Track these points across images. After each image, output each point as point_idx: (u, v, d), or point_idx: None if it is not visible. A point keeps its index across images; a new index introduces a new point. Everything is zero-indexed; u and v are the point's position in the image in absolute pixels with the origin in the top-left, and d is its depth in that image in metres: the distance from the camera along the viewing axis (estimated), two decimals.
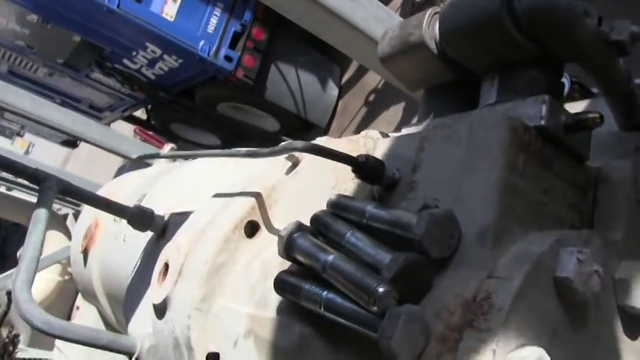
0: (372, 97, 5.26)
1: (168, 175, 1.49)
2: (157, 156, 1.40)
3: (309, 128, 5.74)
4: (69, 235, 4.71)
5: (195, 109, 5.84)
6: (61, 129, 2.20)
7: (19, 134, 14.52)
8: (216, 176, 1.18)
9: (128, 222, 1.14)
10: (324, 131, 5.73)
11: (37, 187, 1.03)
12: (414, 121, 0.72)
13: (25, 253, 0.91)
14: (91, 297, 1.90)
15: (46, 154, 13.54)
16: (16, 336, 4.34)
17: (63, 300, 4.99)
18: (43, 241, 0.95)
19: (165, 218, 1.19)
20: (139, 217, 1.13)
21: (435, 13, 0.61)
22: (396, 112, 4.75)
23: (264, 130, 5.89)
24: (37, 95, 6.48)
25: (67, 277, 4.66)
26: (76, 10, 4.72)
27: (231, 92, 5.39)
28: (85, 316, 2.09)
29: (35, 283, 3.14)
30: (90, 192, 1.08)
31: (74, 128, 2.20)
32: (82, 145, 7.98)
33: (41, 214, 0.98)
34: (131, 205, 1.45)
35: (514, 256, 0.47)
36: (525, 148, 0.52)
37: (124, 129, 8.22)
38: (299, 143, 0.60)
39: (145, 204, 1.35)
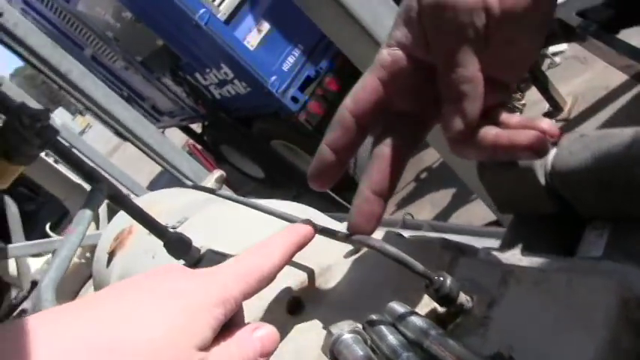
0: (424, 175, 5.22)
1: (215, 206, 1.45)
2: (212, 192, 1.36)
3: (353, 187, 5.69)
4: (97, 222, 4.73)
5: (250, 137, 5.89)
6: (120, 125, 2.21)
7: (81, 113, 14.98)
8: (265, 225, 1.14)
9: (164, 245, 1.10)
10: None
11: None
12: (494, 242, 0.67)
13: (61, 251, 0.87)
14: None
15: (99, 139, 13.86)
16: (24, 311, 4.34)
17: (75, 281, 4.99)
18: (81, 242, 0.91)
19: (201, 251, 1.14)
20: (175, 244, 1.09)
21: (552, 143, 0.56)
22: (444, 196, 4.68)
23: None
24: (109, 83, 6.73)
25: (83, 260, 4.65)
26: (168, 17, 4.86)
27: (289, 132, 5.42)
28: None
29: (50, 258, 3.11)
30: (136, 205, 1.05)
31: (134, 128, 2.20)
32: None
33: (86, 215, 0.94)
34: (170, 224, 1.41)
35: None
36: (633, 326, 0.46)
37: (175, 137, 8.35)
38: (376, 241, 0.55)
39: (184, 229, 1.31)
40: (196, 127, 7.84)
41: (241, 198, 1.16)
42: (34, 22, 6.57)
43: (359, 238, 0.57)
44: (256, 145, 5.92)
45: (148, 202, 1.78)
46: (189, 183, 2.19)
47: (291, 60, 5.06)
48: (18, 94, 3.86)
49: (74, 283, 4.91)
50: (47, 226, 4.52)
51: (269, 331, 0.44)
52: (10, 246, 3.51)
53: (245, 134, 5.89)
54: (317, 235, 0.79)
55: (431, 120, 0.48)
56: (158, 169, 9.20)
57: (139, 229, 1.59)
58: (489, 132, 0.46)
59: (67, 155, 0.97)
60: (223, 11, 4.76)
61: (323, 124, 5.21)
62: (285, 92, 4.96)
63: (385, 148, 0.49)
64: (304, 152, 5.61)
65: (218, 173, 2.23)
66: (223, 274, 0.44)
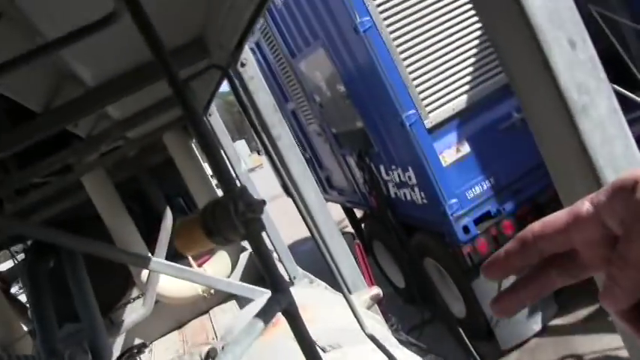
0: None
1: (371, 347, 1.33)
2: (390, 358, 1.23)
3: (489, 337, 5.27)
4: (233, 266, 4.82)
5: (406, 246, 5.73)
6: (302, 202, 2.18)
7: (258, 152, 15.88)
8: None
9: None
10: (502, 352, 5.23)
11: None
12: None
13: None
14: None
15: (264, 181, 14.52)
16: (144, 345, 4.49)
17: (188, 311, 5.10)
18: (243, 353, 0.83)
19: None
20: None
21: None
22: None
23: (448, 309, 5.58)
24: (297, 140, 7.01)
25: (205, 295, 4.73)
26: (377, 106, 4.97)
27: (447, 258, 5.20)
28: None
29: (181, 283, 3.14)
30: (305, 330, 0.96)
31: (315, 212, 2.17)
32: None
33: (257, 327, 0.86)
34: (321, 343, 1.32)
35: None
36: None
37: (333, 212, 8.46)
38: None
39: (334, 357, 1.21)
40: (357, 211, 7.87)
41: None
42: (257, 62, 7.10)
43: None
44: (409, 256, 5.75)
45: (303, 298, 1.68)
46: (342, 284, 2.06)
47: (477, 190, 4.90)
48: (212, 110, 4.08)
49: (187, 313, 5.00)
50: None
51: None
52: (152, 259, 3.64)
53: (402, 241, 5.75)
54: None
55: (595, 271, 0.51)
56: (301, 234, 9.33)
57: (285, 327, 1.49)
58: None
59: (263, 254, 0.90)
60: (431, 119, 4.75)
61: (481, 263, 4.92)
62: (460, 219, 4.77)
63: (543, 273, 0.52)
64: (453, 282, 5.34)
65: (376, 292, 2.11)
66: None
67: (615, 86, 4.37)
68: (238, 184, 0.89)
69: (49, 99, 2.26)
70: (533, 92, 0.75)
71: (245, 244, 5.06)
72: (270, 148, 2.18)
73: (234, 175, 4.26)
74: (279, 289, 0.91)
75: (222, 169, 0.97)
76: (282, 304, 0.91)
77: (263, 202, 0.89)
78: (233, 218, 0.86)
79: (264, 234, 0.93)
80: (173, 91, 0.90)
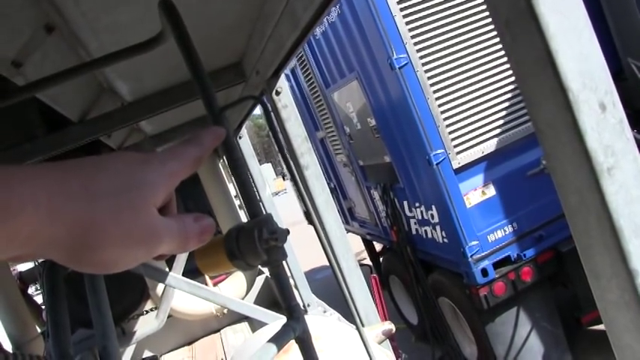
0: None
1: None
2: None
3: None
4: (249, 284, 4.84)
5: (422, 284, 5.69)
6: (324, 231, 2.20)
7: (284, 177, 15.97)
8: None
9: None
10: None
11: None
12: None
13: None
14: None
15: (287, 206, 14.57)
16: (155, 358, 4.51)
17: (199, 328, 5.10)
18: None
19: None
20: None
21: None
22: None
23: (459, 350, 5.52)
24: (322, 169, 7.04)
25: (218, 314, 4.74)
26: (406, 143, 4.98)
27: (463, 298, 5.14)
28: None
29: (196, 299, 3.16)
30: (316, 355, 0.97)
31: (335, 242, 2.19)
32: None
33: (270, 351, 0.87)
34: None
35: None
36: None
37: (353, 241, 8.42)
38: None
39: None
40: (377, 245, 7.84)
41: None
42: (290, 89, 7.19)
43: None
44: (425, 293, 5.70)
45: (315, 327, 1.69)
46: (356, 316, 2.05)
47: (499, 234, 4.86)
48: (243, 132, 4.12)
49: (198, 330, 5.01)
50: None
51: (209, 221, 0.55)
52: (170, 273, 3.67)
53: (419, 278, 5.71)
54: None
55: None
56: (319, 262, 9.29)
57: (296, 354, 1.50)
58: None
59: (282, 282, 0.92)
60: (459, 160, 4.75)
61: (499, 308, 4.86)
62: (479, 262, 4.73)
63: None
64: (467, 323, 5.27)
65: (388, 326, 2.11)
66: None
67: None
68: (262, 209, 0.92)
69: (86, 109, 2.33)
70: (559, 150, 0.77)
71: (262, 267, 5.06)
72: (296, 176, 2.20)
73: (258, 198, 4.30)
74: (295, 316, 0.93)
75: (249, 193, 0.99)
76: (296, 331, 0.92)
77: (287, 232, 0.91)
78: (256, 244, 0.88)
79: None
80: (208, 113, 0.94)
